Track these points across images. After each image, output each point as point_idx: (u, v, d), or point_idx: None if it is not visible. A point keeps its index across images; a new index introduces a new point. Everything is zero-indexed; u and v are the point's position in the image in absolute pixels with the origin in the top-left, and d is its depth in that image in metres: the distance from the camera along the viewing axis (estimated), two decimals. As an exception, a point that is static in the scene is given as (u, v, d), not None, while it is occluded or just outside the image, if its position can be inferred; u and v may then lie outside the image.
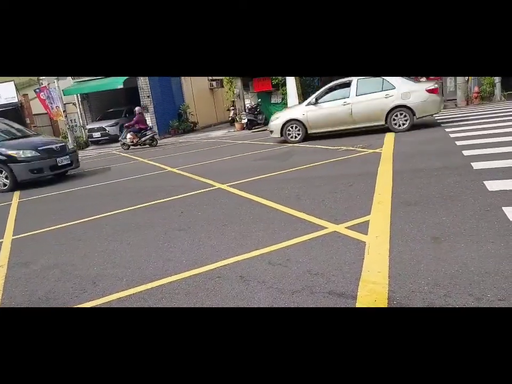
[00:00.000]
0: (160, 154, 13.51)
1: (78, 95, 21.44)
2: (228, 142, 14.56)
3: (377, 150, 8.14)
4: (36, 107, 21.94)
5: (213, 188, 6.97)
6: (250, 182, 6.98)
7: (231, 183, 7.04)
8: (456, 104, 14.87)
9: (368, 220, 4.31)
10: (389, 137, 9.62)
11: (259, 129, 17.64)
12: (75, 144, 20.01)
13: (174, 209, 5.89)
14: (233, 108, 20.31)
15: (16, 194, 9.34)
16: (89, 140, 20.93)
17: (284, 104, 18.13)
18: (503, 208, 4.09)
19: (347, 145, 9.32)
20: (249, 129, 18.00)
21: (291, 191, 5.98)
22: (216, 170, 8.70)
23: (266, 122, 18.73)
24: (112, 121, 20.58)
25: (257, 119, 18.47)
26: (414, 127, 10.40)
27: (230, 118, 20.12)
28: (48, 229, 5.78)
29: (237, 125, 19.29)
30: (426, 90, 10.00)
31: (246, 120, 18.04)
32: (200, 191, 6.85)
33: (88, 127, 20.92)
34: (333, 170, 7.01)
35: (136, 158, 13.50)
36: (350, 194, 5.37)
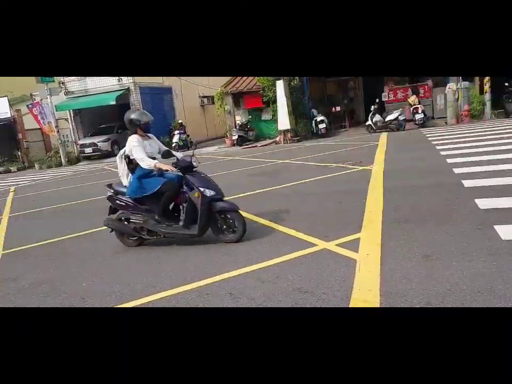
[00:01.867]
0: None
1: (71, 110, 21.38)
2: (219, 157, 14.55)
3: (368, 167, 8.17)
4: (28, 122, 21.82)
5: (204, 203, 6.89)
6: (243, 198, 6.92)
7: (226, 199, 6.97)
8: (446, 122, 15.11)
9: (359, 238, 4.27)
10: (380, 155, 9.68)
11: (249, 146, 17.69)
12: (67, 159, 19.96)
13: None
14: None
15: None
16: (81, 155, 20.81)
17: (274, 121, 18.27)
18: (495, 226, 4.08)
19: (338, 162, 9.35)
20: (239, 146, 18.03)
21: (282, 207, 5.93)
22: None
23: (256, 138, 18.85)
24: (104, 137, 20.52)
25: (248, 136, 18.55)
26: (404, 143, 10.48)
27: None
28: (36, 244, 5.64)
29: (227, 140, 19.34)
30: None
31: (236, 137, 18.10)
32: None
33: (80, 142, 20.83)
34: (323, 187, 7.00)
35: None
36: (341, 211, 5.35)
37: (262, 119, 19.01)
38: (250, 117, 18.99)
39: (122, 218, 4.82)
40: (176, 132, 19.40)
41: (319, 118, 16.76)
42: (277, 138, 17.50)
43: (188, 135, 20.24)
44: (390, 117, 14.93)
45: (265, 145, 17.23)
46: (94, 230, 6.07)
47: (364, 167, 8.25)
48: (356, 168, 8.28)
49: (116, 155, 21.97)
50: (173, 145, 18.81)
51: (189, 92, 24.06)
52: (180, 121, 19.86)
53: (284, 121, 16.56)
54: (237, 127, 18.64)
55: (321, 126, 16.65)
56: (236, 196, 7.11)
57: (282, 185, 7.54)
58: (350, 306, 2.92)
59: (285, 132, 16.83)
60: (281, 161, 11.08)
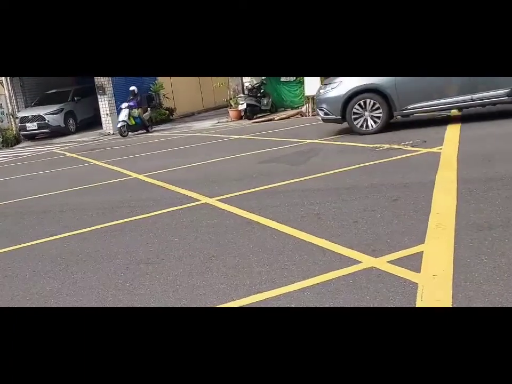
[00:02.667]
0: (121, 155, 13.57)
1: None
2: (220, 136, 14.63)
3: (435, 149, 8.15)
4: None
5: (197, 202, 6.97)
6: (250, 195, 6.99)
7: (223, 196, 7.04)
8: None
9: (422, 251, 4.28)
10: (453, 131, 9.63)
11: (263, 119, 17.73)
12: (0, 139, 20.16)
13: (140, 234, 5.87)
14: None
15: None
16: (21, 133, 21.03)
17: (299, 83, 18.27)
18: None
19: (391, 142, 9.32)
20: (249, 119, 18.10)
21: (309, 208, 5.97)
22: (203, 178, 8.72)
23: (273, 109, 18.89)
24: (54, 108, 20.72)
25: (261, 104, 18.59)
26: (489, 117, 10.41)
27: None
28: (-42, 261, 5.78)
29: (231, 112, 19.41)
30: None
31: (244, 106, 18.13)
32: (177, 207, 6.85)
33: (20, 115, 21.04)
34: (369, 178, 7.00)
35: (88, 159, 13.56)
36: (395, 214, 5.35)
37: (282, 80, 19.04)
38: (264, 77, 19.02)
39: None
40: (125, 104, 18.63)
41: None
42: (303, 108, 17.54)
43: (149, 107, 19.88)
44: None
45: (286, 117, 17.29)
46: (39, 241, 6.17)
47: (429, 149, 8.23)
48: (417, 151, 8.26)
49: (72, 132, 22.21)
50: (119, 126, 18.38)
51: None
52: (132, 88, 19.06)
53: (313, 83, 16.51)
54: (246, 93, 18.71)
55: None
56: (241, 192, 7.16)
57: (310, 177, 7.57)
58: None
59: (314, 97, 16.83)
60: (309, 140, 11.09)
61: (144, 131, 19.20)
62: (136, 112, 18.64)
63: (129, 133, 18.67)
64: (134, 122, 18.65)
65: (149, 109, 19.83)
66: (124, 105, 18.53)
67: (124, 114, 18.43)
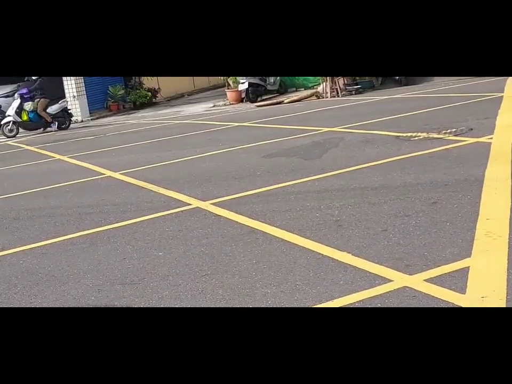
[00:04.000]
0: (92, 147, 13.58)
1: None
2: (215, 124, 14.63)
3: (484, 139, 8.14)
4: None
5: (186, 207, 6.97)
6: (253, 197, 6.99)
7: (219, 199, 7.04)
8: None
9: (468, 267, 4.27)
10: (507, 116, 9.60)
11: (269, 102, 17.75)
12: None
13: (115, 247, 5.87)
14: None
15: None
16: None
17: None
18: None
19: (429, 129, 9.30)
20: (251, 102, 18.15)
21: (326, 214, 5.97)
22: (194, 176, 8.72)
23: (281, 89, 18.91)
24: (8, 89, 20.77)
25: (266, 84, 18.64)
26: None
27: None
28: None
29: (229, 94, 19.45)
30: None
31: (246, 86, 18.18)
32: (162, 213, 6.84)
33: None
34: (402, 176, 6.99)
35: (51, 154, 13.58)
36: (434, 220, 5.34)
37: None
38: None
39: None
40: (17, 93, 17.85)
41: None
42: (320, 88, 17.57)
43: (61, 99, 18.45)
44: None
45: (298, 100, 17.32)
46: None
47: (477, 139, 8.23)
48: (462, 141, 8.25)
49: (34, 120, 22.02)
50: (2, 123, 17.41)
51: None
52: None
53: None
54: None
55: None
56: (242, 194, 7.15)
57: (328, 174, 7.57)
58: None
59: (334, 77, 16.86)
60: (326, 129, 11.09)
61: (41, 129, 18.18)
62: (29, 105, 17.57)
63: (25, 132, 17.98)
64: (26, 118, 17.58)
65: (62, 101, 18.57)
66: (17, 93, 17.60)
67: (12, 107, 17.40)
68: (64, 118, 18.40)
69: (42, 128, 18.26)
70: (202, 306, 4.32)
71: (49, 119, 17.89)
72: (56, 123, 18.22)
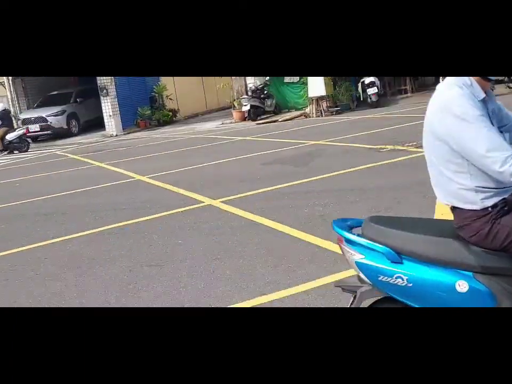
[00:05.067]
0: (124, 156, 13.59)
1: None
2: (223, 138, 14.64)
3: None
4: None
5: (201, 204, 6.99)
6: (254, 197, 7.01)
7: (227, 198, 7.06)
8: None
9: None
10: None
11: (267, 120, 17.75)
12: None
13: (143, 236, 5.89)
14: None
15: None
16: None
17: (302, 84, 18.28)
18: None
19: (394, 142, 9.32)
20: (252, 120, 18.11)
21: (313, 210, 5.98)
22: (207, 180, 8.74)
23: (276, 110, 18.90)
24: (57, 109, 20.77)
25: (265, 106, 18.59)
26: None
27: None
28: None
29: (235, 113, 19.44)
30: None
31: (248, 107, 18.14)
32: (181, 209, 6.86)
33: (22, 116, 21.11)
34: (373, 179, 7.01)
35: (91, 161, 13.59)
36: (399, 214, 5.35)
37: (286, 81, 19.02)
38: (268, 78, 19.02)
39: None
40: None
41: (368, 80, 16.58)
42: (307, 110, 17.53)
43: (12, 128, 18.25)
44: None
45: (290, 119, 17.29)
46: (42, 243, 6.20)
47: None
48: (421, 152, 8.24)
49: (74, 134, 22.10)
50: None
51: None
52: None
53: (316, 84, 16.54)
54: (249, 94, 18.72)
55: (371, 91, 16.49)
56: (245, 194, 7.18)
57: (314, 178, 7.60)
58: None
59: (319, 100, 16.86)
60: (313, 142, 11.11)
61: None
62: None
63: None
64: None
65: (19, 129, 18.42)
66: None
67: None
68: (21, 143, 18.32)
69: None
70: (213, 283, 4.33)
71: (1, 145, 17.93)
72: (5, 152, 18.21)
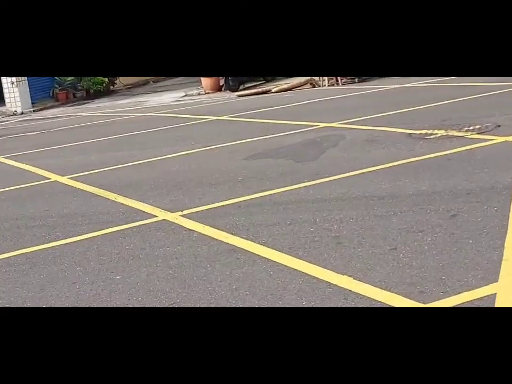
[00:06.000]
0: (35, 146, 13.51)
1: None
2: (187, 117, 14.62)
3: (514, 138, 8.18)
4: None
5: (150, 220, 6.96)
6: (233, 208, 7.00)
7: (192, 210, 7.04)
8: None
9: (494, 294, 4.30)
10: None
11: (254, 91, 17.77)
12: None
13: (62, 269, 5.83)
14: None
15: None
16: None
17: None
18: None
19: (448, 125, 9.33)
20: (232, 91, 18.16)
21: (322, 228, 5.99)
22: (161, 182, 8.71)
23: (269, 77, 18.94)
24: None
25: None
26: None
27: None
28: None
29: (205, 81, 19.44)
30: None
31: (225, 72, 18.19)
32: (120, 227, 6.83)
33: None
34: (413, 182, 7.01)
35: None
36: (453, 237, 5.36)
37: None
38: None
39: None
40: None
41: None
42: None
43: None
44: None
45: (289, 89, 17.34)
46: None
47: (505, 137, 8.29)
48: (487, 140, 8.31)
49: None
50: None
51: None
52: None
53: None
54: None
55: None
56: (220, 204, 7.14)
57: (325, 179, 7.60)
58: None
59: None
60: (323, 124, 11.11)
61: None
62: None
63: None
64: None
65: None
66: None
67: None
68: None
69: None
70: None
71: None
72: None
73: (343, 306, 4.43)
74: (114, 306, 4.95)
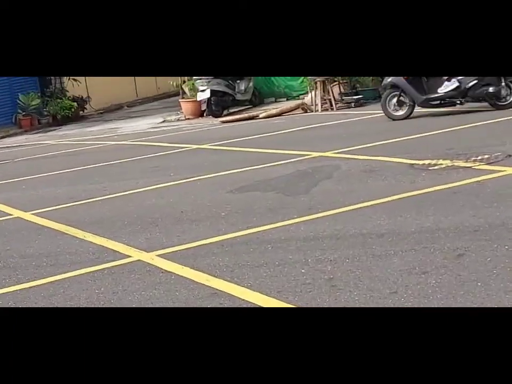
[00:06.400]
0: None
1: None
2: (165, 146, 14.64)
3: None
4: None
5: (124, 260, 6.93)
6: (216, 246, 6.98)
7: (170, 250, 7.04)
8: None
9: None
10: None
11: (239, 116, 17.81)
12: None
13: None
14: None
15: None
16: None
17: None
18: None
19: (453, 154, 9.37)
20: (215, 116, 18.21)
21: (315, 269, 5.99)
22: (134, 217, 8.69)
23: (256, 100, 19.02)
24: None
25: (235, 92, 18.72)
26: None
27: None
28: None
29: (185, 105, 19.50)
30: None
31: (207, 95, 18.22)
32: (91, 268, 6.79)
33: None
34: (416, 218, 7.02)
35: None
36: (460, 279, 5.36)
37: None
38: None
39: None
40: None
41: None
42: (307, 99, 17.69)
43: None
44: None
45: (279, 114, 17.40)
46: None
47: (518, 169, 8.33)
48: (497, 171, 8.37)
49: None
50: None
51: None
52: None
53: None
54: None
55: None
56: (201, 242, 7.13)
57: (318, 215, 7.62)
58: None
59: (327, 83, 17.01)
60: (316, 154, 11.15)
61: None
62: None
63: None
64: None
65: None
66: None
67: None
68: None
69: None
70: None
71: None
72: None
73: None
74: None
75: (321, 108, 17.07)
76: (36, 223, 9.18)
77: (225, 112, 18.42)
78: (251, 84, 18.88)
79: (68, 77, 22.26)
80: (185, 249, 7.02)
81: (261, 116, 17.50)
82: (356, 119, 14.99)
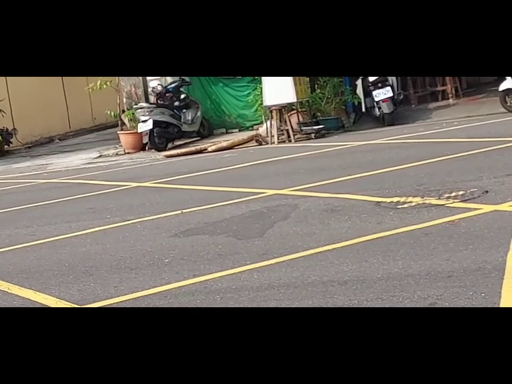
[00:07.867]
0: None
1: None
2: (101, 184, 14.61)
3: (505, 206, 8.37)
4: None
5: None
6: (158, 297, 6.95)
7: (105, 302, 6.94)
8: None
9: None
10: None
11: (186, 150, 17.86)
12: None
13: None
14: None
15: None
16: None
17: (253, 82, 18.54)
18: None
19: (424, 191, 9.44)
20: (158, 150, 18.23)
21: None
22: (65, 266, 8.64)
23: (204, 131, 19.08)
24: None
25: (181, 122, 18.76)
26: None
27: None
28: None
29: (124, 137, 19.50)
30: None
31: (149, 126, 18.21)
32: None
33: None
34: (382, 263, 7.07)
35: None
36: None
37: (224, 82, 19.31)
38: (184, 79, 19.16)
39: None
40: None
41: (375, 77, 16.74)
42: (261, 130, 17.78)
43: None
44: None
45: (229, 147, 17.47)
46: None
47: (495, 206, 8.48)
48: (473, 209, 8.46)
49: None
50: None
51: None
52: None
53: (279, 84, 16.76)
54: (153, 100, 18.87)
55: (382, 95, 16.66)
56: (141, 294, 7.10)
57: (273, 261, 7.63)
58: None
59: (283, 111, 17.09)
60: (271, 191, 11.19)
61: None
62: None
63: None
64: None
65: None
66: None
67: None
68: None
69: None
70: None
71: None
72: None
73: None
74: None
75: (278, 139, 17.15)
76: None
77: (169, 145, 18.46)
78: (199, 114, 18.91)
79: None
80: (123, 301, 6.98)
81: (210, 149, 17.54)
82: (317, 151, 15.05)
